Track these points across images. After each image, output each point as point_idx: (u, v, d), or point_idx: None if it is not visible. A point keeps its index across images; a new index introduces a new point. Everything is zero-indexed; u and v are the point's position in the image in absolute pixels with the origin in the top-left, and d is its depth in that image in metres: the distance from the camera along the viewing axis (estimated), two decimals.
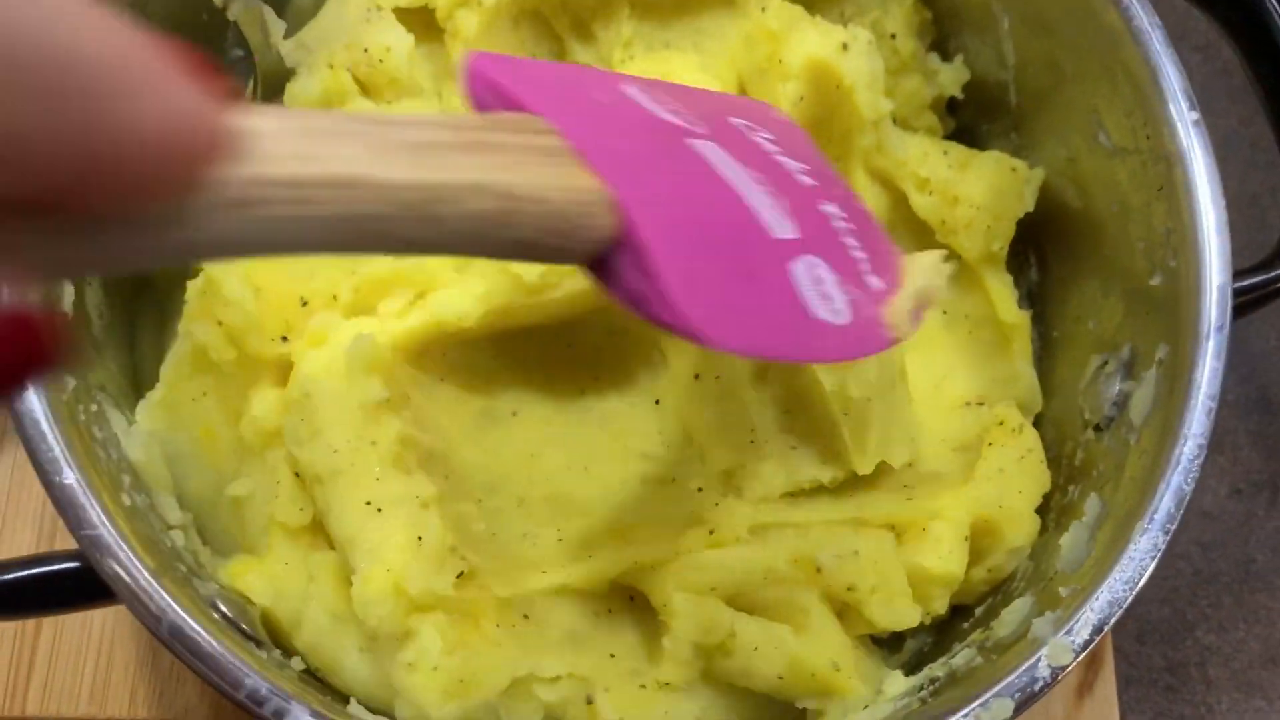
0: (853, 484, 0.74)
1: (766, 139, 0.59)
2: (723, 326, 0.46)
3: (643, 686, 0.70)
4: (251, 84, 0.83)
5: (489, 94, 0.48)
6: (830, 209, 0.58)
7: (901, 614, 0.71)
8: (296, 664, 0.69)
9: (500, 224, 0.41)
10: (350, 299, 0.75)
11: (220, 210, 0.31)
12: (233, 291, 0.73)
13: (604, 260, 0.45)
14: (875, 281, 0.57)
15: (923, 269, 0.60)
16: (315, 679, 0.70)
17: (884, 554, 0.72)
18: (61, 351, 0.29)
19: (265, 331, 0.74)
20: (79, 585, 0.62)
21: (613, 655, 0.71)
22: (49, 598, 0.63)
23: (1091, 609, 0.63)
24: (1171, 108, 0.71)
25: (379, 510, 0.68)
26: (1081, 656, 0.62)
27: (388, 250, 0.40)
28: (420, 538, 0.67)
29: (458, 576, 0.67)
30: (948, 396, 0.81)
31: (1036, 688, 0.61)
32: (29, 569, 0.63)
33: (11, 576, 0.62)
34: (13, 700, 0.80)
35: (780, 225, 0.53)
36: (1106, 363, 0.76)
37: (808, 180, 0.59)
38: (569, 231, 0.43)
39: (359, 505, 0.68)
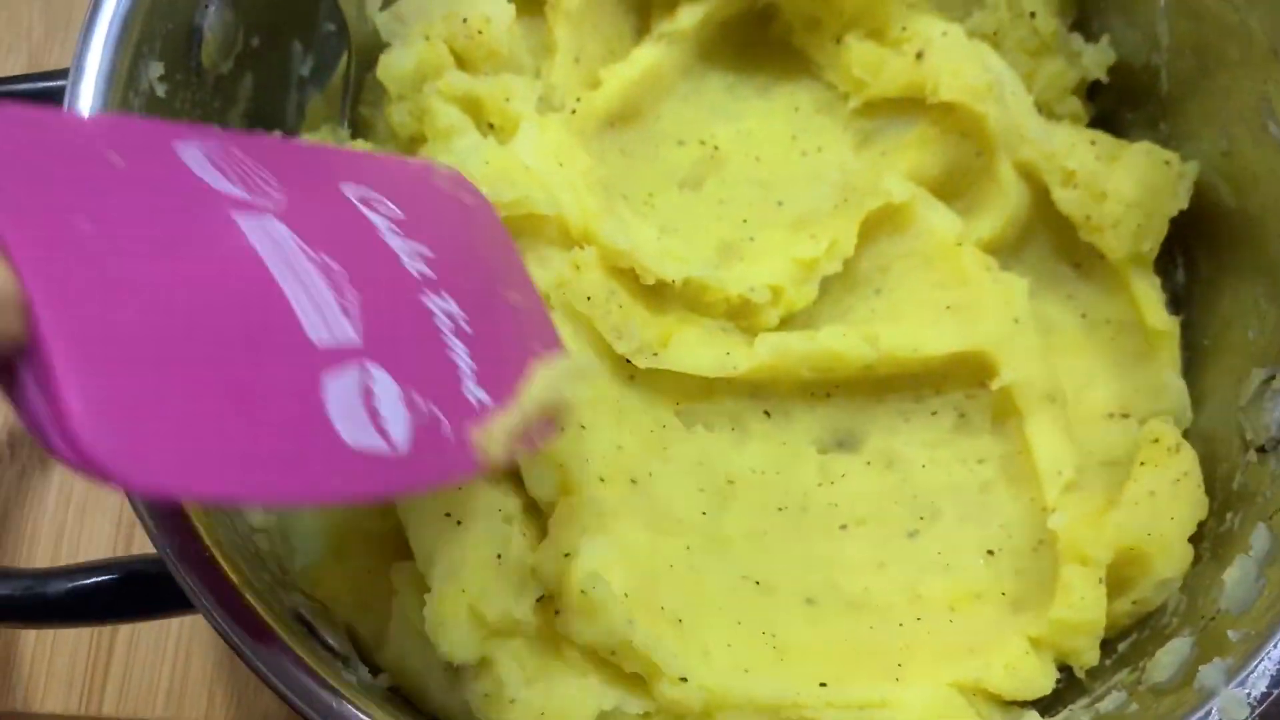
0: None
1: (387, 215, 0.52)
2: (165, 465, 0.38)
3: None
4: (345, 57, 0.79)
5: None
6: (441, 304, 0.51)
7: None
8: (383, 680, 0.65)
9: None
10: None
11: None
12: None
13: (14, 370, 0.38)
14: (477, 394, 0.50)
15: (549, 380, 0.53)
16: (402, 697, 0.65)
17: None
18: None
19: None
20: (160, 594, 0.58)
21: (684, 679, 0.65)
22: (128, 605, 0.59)
23: (1269, 658, 0.56)
24: None
25: (459, 523, 0.63)
26: (1259, 710, 0.55)
27: None
28: (500, 555, 0.62)
29: (538, 600, 0.62)
30: (1089, 406, 0.74)
31: None
32: (108, 574, 0.59)
33: (90, 581, 0.59)
34: (89, 701, 0.77)
35: (330, 328, 0.45)
36: (1273, 378, 0.69)
37: (421, 269, 0.52)
38: None
39: (438, 516, 0.63)
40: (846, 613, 0.69)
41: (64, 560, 0.64)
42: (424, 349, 0.49)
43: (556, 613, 0.62)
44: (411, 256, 0.51)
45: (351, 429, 0.44)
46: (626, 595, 0.62)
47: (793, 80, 0.80)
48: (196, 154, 0.47)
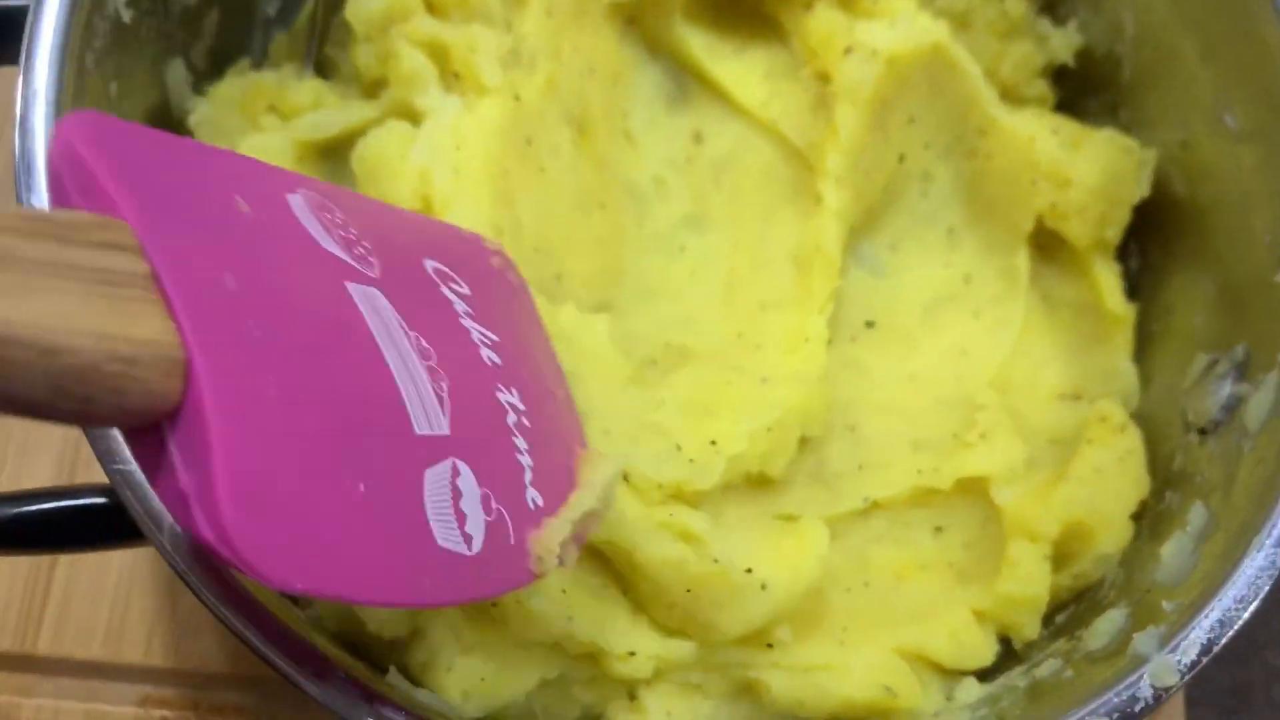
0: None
1: (460, 294, 0.49)
2: (286, 560, 0.36)
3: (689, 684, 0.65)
4: (312, 1, 0.78)
5: (75, 178, 0.37)
6: (507, 396, 0.48)
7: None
8: (331, 623, 0.64)
9: None
10: None
11: None
12: None
13: (158, 434, 0.35)
14: (534, 497, 0.47)
15: (599, 488, 0.50)
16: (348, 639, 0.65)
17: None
18: None
19: None
20: (106, 523, 0.57)
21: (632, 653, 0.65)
22: (73, 534, 0.58)
23: (1200, 627, 0.58)
24: None
25: None
26: (1188, 678, 0.57)
27: None
28: None
29: None
30: (1043, 387, 0.76)
31: (1137, 709, 0.56)
32: (53, 501, 0.58)
33: (34, 508, 0.57)
34: (25, 637, 0.75)
35: (429, 417, 0.43)
36: (1216, 362, 0.71)
37: (491, 356, 0.48)
38: (100, 391, 0.33)
39: None
40: None
41: (5, 485, 0.63)
42: (497, 445, 0.46)
43: (494, 604, 0.61)
44: (482, 342, 0.48)
45: (441, 529, 0.42)
46: (564, 591, 0.61)
47: (765, 45, 0.80)
48: (304, 208, 0.44)
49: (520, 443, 0.47)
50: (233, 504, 0.34)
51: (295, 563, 0.36)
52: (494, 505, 0.45)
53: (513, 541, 0.45)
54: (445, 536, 0.42)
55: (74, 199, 0.37)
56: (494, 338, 0.49)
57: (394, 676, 0.59)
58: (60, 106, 0.57)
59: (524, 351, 0.51)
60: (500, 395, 0.47)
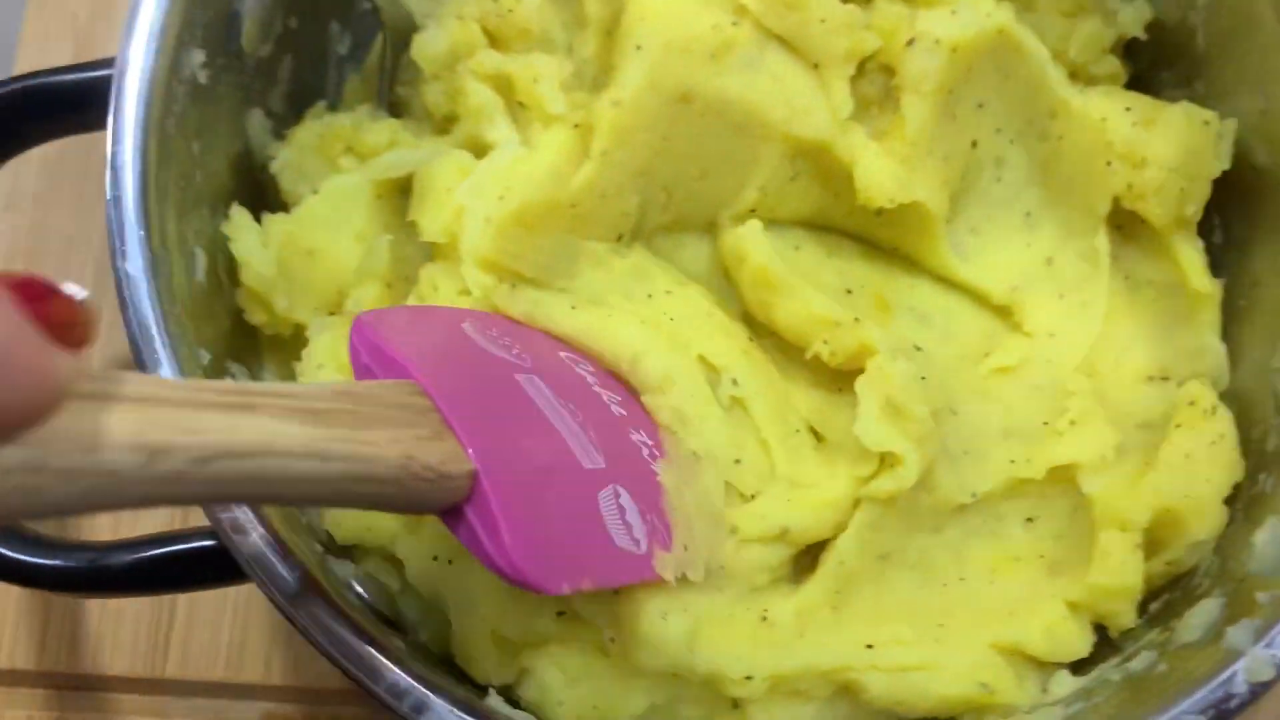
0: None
1: (588, 371, 0.64)
2: (549, 574, 0.52)
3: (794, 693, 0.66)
4: (380, 38, 0.80)
5: (370, 354, 0.55)
6: (638, 437, 0.62)
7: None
8: (435, 647, 0.67)
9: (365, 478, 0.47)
10: None
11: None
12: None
13: (455, 510, 0.51)
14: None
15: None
16: (452, 662, 0.68)
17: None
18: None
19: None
20: (215, 564, 0.61)
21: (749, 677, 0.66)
22: (184, 576, 0.62)
23: None
24: None
25: (449, 562, 0.65)
26: None
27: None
28: None
29: (558, 615, 0.64)
30: (1129, 369, 0.74)
31: (1232, 705, 0.56)
32: (164, 547, 0.62)
33: (147, 555, 0.61)
34: (153, 663, 0.80)
35: (589, 456, 0.57)
36: None
37: (619, 410, 0.63)
38: (432, 487, 0.49)
39: (426, 560, 0.65)
40: (903, 570, 0.70)
41: (124, 532, 0.67)
42: (640, 472, 0.61)
43: (611, 639, 0.63)
44: (611, 402, 0.63)
45: (618, 534, 0.57)
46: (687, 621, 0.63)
47: None
48: (474, 330, 0.61)
49: (657, 468, 0.62)
50: (517, 553, 0.50)
51: (554, 575, 0.52)
52: (649, 517, 0.59)
53: (663, 540, 0.60)
54: (621, 540, 0.57)
55: (375, 372, 0.54)
56: (617, 397, 0.64)
57: (493, 699, 0.62)
58: (146, 176, 0.61)
59: (636, 409, 0.66)
60: (633, 436, 0.62)
